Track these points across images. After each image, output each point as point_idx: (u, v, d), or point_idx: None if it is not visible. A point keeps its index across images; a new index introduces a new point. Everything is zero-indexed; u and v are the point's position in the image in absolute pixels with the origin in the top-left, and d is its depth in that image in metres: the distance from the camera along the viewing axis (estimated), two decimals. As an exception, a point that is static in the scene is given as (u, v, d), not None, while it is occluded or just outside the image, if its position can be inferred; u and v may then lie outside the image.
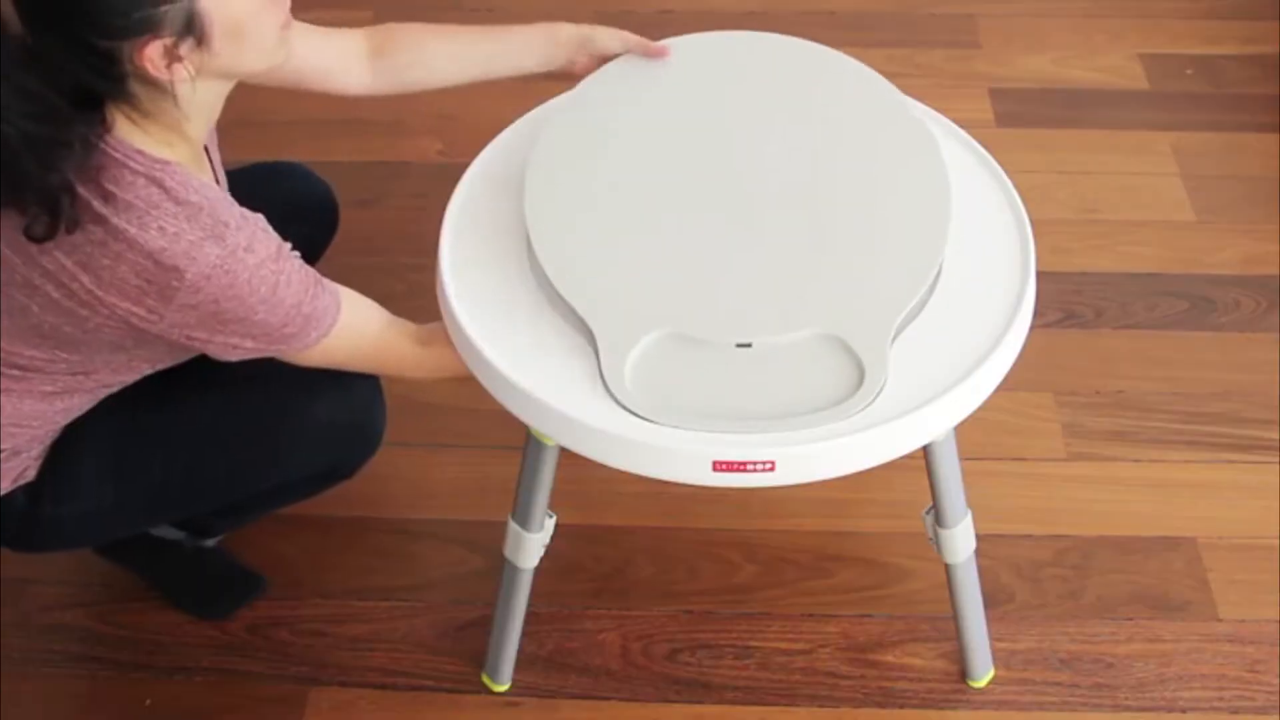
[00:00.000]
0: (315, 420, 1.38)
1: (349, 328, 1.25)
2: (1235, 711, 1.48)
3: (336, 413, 1.38)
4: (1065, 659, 1.53)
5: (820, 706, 1.50)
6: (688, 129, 1.35)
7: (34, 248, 1.13)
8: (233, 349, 1.20)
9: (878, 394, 1.12)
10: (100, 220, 1.11)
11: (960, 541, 1.37)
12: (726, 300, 1.19)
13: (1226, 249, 2.01)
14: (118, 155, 1.12)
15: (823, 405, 1.12)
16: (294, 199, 1.55)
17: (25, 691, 1.54)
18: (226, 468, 1.38)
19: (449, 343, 1.24)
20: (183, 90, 1.12)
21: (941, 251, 1.21)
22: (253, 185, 1.35)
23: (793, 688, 1.52)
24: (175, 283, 1.12)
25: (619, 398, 1.12)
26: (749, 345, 1.15)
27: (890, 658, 1.54)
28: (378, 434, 1.44)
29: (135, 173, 1.12)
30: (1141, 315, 1.92)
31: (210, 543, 1.60)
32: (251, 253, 1.14)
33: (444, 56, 1.45)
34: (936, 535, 1.37)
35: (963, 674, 1.51)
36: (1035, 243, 1.25)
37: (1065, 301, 1.94)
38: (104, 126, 1.13)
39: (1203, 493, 1.70)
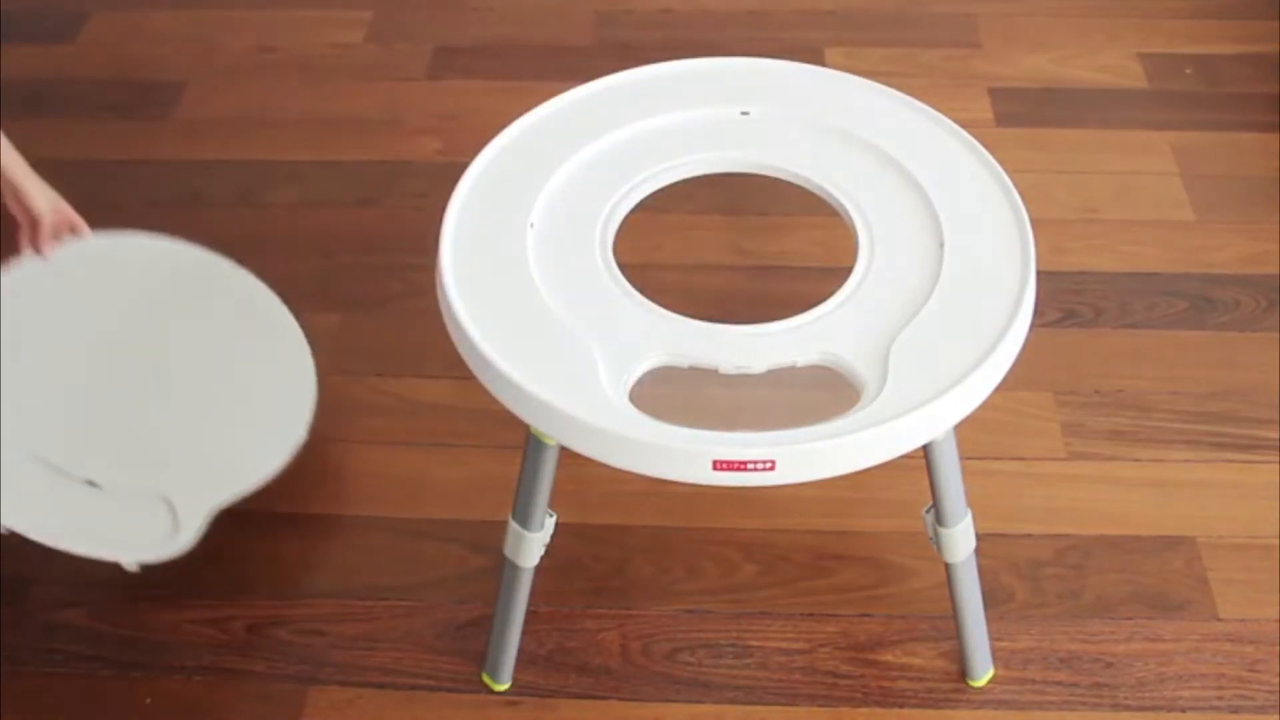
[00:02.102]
0: None
1: None
2: (1235, 711, 1.48)
3: None
4: (1065, 658, 1.53)
5: (820, 706, 1.50)
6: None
7: None
8: None
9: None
10: None
11: (960, 541, 1.37)
12: None
13: (1226, 249, 2.01)
14: None
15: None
16: None
17: (25, 691, 1.54)
18: None
19: None
20: None
21: None
22: None
23: (792, 687, 1.52)
24: None
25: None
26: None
27: (890, 657, 1.54)
28: None
29: None
30: (1141, 315, 1.92)
31: None
32: None
33: None
34: (936, 535, 1.37)
35: (963, 673, 1.52)
36: (1035, 243, 1.25)
37: (1065, 301, 1.94)
38: None
39: (1203, 492, 1.70)
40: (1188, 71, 2.34)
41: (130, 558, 1.52)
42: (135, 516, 1.55)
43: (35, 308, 1.73)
